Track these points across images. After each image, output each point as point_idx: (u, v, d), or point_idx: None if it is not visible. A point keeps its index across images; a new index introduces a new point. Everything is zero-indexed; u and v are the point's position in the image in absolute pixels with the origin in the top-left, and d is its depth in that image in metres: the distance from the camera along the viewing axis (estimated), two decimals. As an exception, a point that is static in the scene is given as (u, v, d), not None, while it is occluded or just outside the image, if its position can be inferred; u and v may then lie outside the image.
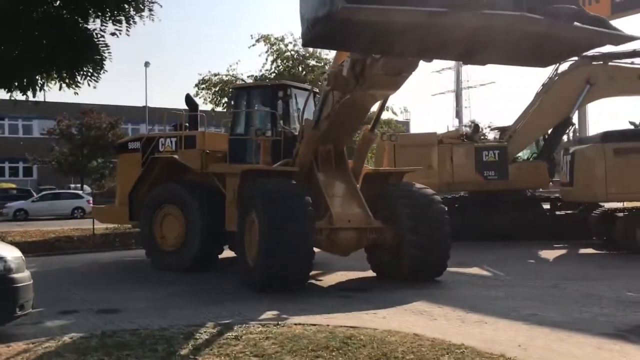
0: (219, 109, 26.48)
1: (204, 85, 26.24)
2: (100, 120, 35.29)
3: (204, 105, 25.69)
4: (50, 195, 33.86)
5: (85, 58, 13.55)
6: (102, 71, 13.96)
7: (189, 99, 15.14)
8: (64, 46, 12.96)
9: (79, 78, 13.95)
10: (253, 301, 9.19)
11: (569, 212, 17.92)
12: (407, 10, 5.82)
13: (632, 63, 17.89)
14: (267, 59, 26.26)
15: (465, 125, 44.49)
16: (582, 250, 15.45)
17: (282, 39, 26.27)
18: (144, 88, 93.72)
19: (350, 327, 6.90)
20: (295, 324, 7.07)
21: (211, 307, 8.74)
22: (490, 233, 16.85)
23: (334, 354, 5.71)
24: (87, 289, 10.59)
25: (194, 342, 6.28)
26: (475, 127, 19.22)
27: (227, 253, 13.65)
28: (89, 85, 14.04)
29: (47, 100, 14.78)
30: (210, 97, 26.26)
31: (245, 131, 13.02)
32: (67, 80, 13.98)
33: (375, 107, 11.63)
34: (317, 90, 13.28)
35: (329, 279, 11.39)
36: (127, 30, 13.60)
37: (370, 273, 11.64)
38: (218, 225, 12.43)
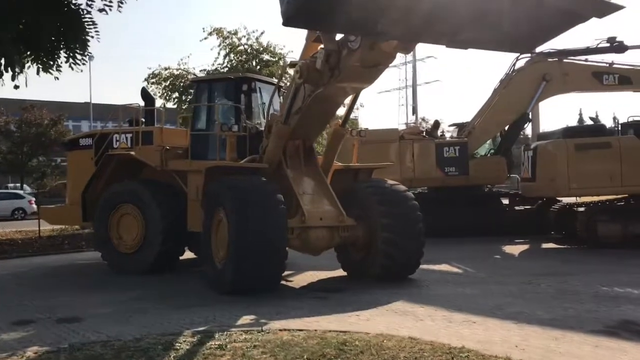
0: (170, 104, 25.61)
1: (153, 80, 25.31)
2: (41, 116, 33.63)
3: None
4: (-13, 195, 32.04)
5: (70, 37, 11.76)
6: (86, 54, 12.34)
7: (145, 93, 14.41)
8: (46, 22, 11.22)
9: (60, 60, 12.12)
10: (224, 305, 8.70)
11: (527, 207, 18.12)
12: None
13: (586, 60, 18.20)
14: (219, 53, 25.56)
15: (413, 123, 44.70)
16: (544, 245, 15.60)
17: (236, 32, 25.62)
18: (87, 83, 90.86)
19: (341, 331, 6.53)
20: (280, 330, 6.64)
21: (181, 313, 8.20)
22: (451, 229, 16.81)
23: (333, 362, 5.33)
24: (39, 295, 9.82)
25: (175, 354, 5.76)
26: (436, 123, 19.17)
27: (186, 254, 13.07)
28: (71, 68, 12.27)
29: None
30: (161, 92, 25.34)
31: (207, 126, 12.43)
32: (45, 63, 12.08)
33: (346, 102, 11.29)
34: (282, 85, 12.88)
35: (299, 279, 10.99)
36: (119, 5, 12.24)
37: (341, 272, 11.32)
38: (179, 225, 11.84)
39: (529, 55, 18.32)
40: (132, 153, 12.50)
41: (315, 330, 6.57)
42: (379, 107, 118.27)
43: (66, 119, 38.48)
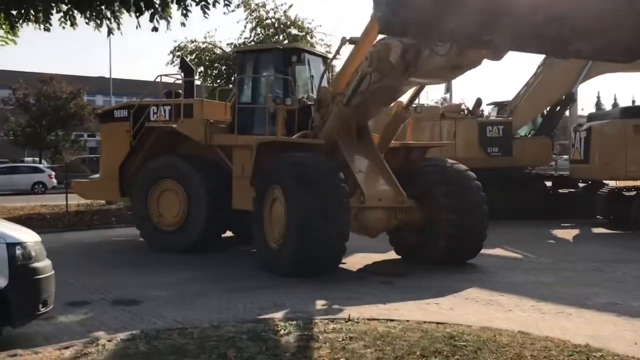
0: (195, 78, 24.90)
1: (179, 53, 24.51)
2: (60, 89, 32.99)
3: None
4: (7, 169, 31.54)
5: None
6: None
7: (184, 64, 13.80)
8: None
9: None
10: (287, 288, 8.17)
11: (571, 190, 17.47)
12: None
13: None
14: (245, 26, 24.76)
15: (444, 101, 43.60)
16: (595, 230, 14.95)
17: (263, 5, 24.78)
18: (99, 57, 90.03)
19: (439, 323, 5.96)
20: (369, 319, 6.08)
21: (244, 296, 7.67)
22: (494, 211, 16.12)
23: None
24: (85, 274, 9.30)
25: (266, 345, 5.20)
26: (478, 101, 18.40)
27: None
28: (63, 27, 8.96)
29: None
30: (185, 66, 24.59)
31: (253, 99, 11.80)
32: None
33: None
34: (337, 58, 12.23)
35: (352, 262, 10.40)
36: None
37: (393, 255, 10.75)
38: (223, 202, 11.28)
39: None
40: (174, 126, 11.90)
41: (408, 321, 6.01)
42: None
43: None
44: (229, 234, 12.94)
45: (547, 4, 5.25)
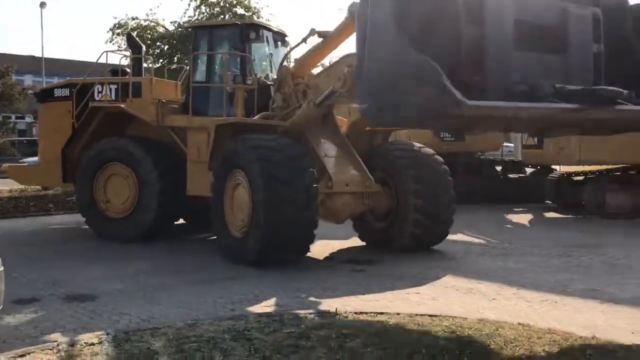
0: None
1: (119, 31, 23.34)
2: (-13, 68, 30.84)
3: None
4: None
5: None
6: None
7: (131, 39, 12.88)
8: None
9: None
10: (255, 278, 7.68)
11: (520, 175, 17.66)
12: (539, 107, 4.98)
13: None
14: (189, 4, 23.83)
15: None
16: (547, 214, 15.12)
17: (208, -18, 23.89)
18: (30, 34, 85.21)
19: (431, 315, 5.62)
20: (356, 313, 5.68)
21: (210, 289, 7.13)
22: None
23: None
24: (28, 266, 8.45)
25: (251, 346, 4.71)
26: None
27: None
28: None
29: None
30: (125, 44, 23.42)
31: (208, 78, 11.12)
32: None
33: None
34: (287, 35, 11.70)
35: (315, 250, 9.93)
36: None
37: (357, 242, 10.41)
38: (177, 187, 10.59)
39: None
40: (123, 106, 11.07)
41: (399, 314, 5.65)
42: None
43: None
44: (181, 221, 12.27)
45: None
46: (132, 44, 12.69)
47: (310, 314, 5.66)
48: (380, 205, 9.77)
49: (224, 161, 9.13)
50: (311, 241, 8.58)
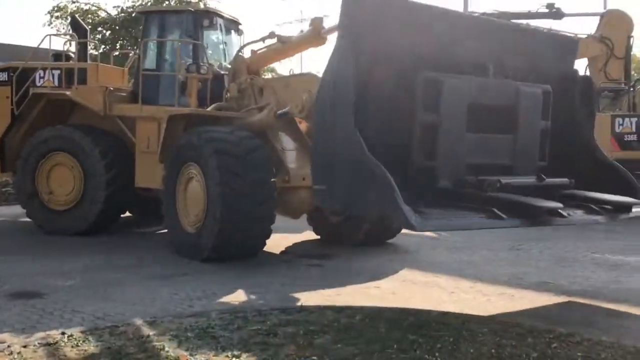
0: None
1: (58, 14, 22.36)
2: None
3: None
4: None
5: None
6: None
7: (76, 22, 12.32)
8: None
9: None
10: (210, 275, 7.47)
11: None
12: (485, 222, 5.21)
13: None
14: (133, -10, 23.06)
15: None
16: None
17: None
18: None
19: (397, 309, 5.61)
20: (322, 308, 5.61)
21: (165, 285, 6.88)
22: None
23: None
24: (-35, 262, 7.99)
25: (217, 344, 4.55)
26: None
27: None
28: None
29: None
30: (66, 28, 22.48)
31: (159, 66, 10.76)
32: None
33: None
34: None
35: (271, 244, 9.79)
36: None
37: (312, 235, 10.34)
38: (125, 179, 10.22)
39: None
40: (68, 93, 10.59)
41: (362, 308, 5.61)
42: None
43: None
44: (127, 214, 11.88)
45: None
46: (76, 28, 12.15)
47: (274, 310, 5.53)
48: None
49: (177, 154, 8.85)
50: (268, 236, 8.44)
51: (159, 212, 9.47)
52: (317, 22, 9.06)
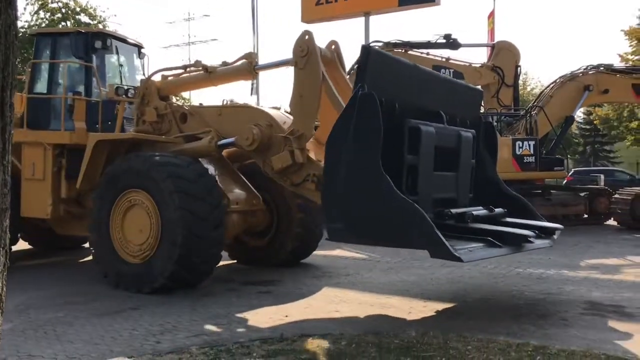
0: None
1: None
2: None
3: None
4: None
5: None
6: None
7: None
8: None
9: None
10: (163, 307, 7.16)
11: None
12: (493, 251, 6.45)
13: (427, 54, 19.10)
14: (25, 9, 21.85)
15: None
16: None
17: (48, -14, 22.07)
18: None
19: (376, 334, 5.66)
20: (301, 336, 5.54)
21: (120, 321, 6.49)
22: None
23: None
24: None
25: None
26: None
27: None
28: None
29: None
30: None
31: (49, 89, 10.28)
32: None
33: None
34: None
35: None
36: None
37: (226, 259, 10.20)
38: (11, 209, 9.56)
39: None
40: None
41: (342, 334, 5.62)
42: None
43: None
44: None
45: None
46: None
47: (253, 341, 5.40)
48: (261, 222, 9.82)
49: (113, 180, 8.44)
50: (219, 261, 8.29)
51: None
52: (251, 57, 9.11)
